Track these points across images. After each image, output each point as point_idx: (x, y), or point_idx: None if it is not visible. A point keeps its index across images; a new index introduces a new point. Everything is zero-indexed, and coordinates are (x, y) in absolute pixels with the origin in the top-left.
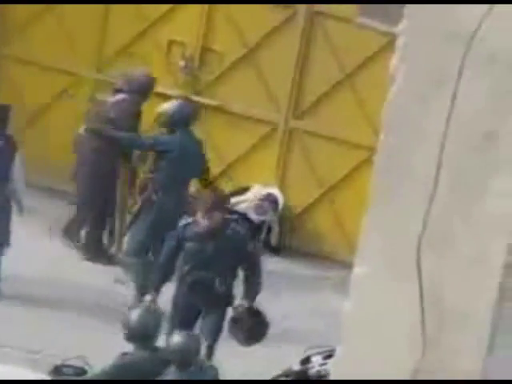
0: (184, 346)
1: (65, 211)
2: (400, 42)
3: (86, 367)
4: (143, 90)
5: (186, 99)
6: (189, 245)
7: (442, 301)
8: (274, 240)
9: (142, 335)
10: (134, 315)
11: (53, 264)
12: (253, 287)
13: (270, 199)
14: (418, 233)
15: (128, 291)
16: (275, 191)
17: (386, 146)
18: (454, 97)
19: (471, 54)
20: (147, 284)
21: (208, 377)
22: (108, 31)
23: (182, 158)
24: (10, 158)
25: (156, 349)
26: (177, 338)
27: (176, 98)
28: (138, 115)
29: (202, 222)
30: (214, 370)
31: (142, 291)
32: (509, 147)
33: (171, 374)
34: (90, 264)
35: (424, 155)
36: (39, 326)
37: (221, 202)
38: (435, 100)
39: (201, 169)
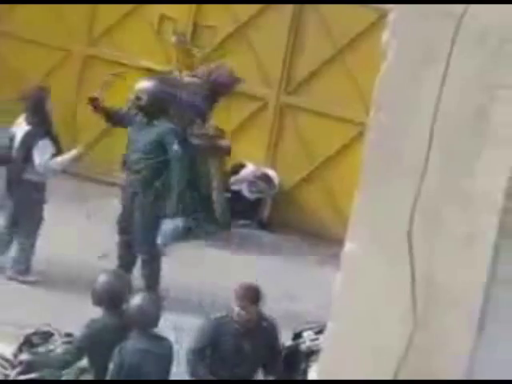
0: (144, 308)
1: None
2: (391, 17)
3: (54, 331)
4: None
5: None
6: (224, 341)
7: (432, 280)
8: (264, 215)
9: (108, 299)
10: (101, 279)
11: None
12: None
13: (266, 179)
14: (409, 212)
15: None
16: (271, 172)
17: (377, 122)
18: (445, 73)
19: (462, 30)
20: None
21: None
22: (99, 7)
23: None
24: (30, 144)
25: (123, 313)
26: (137, 300)
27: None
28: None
29: (239, 316)
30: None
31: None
32: (499, 125)
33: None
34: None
35: (415, 132)
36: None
37: (255, 295)
38: (426, 76)
39: None
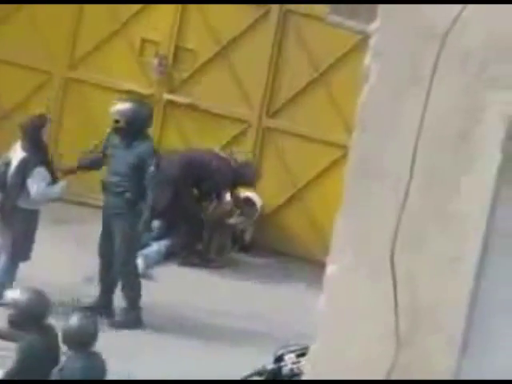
0: (82, 328)
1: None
2: (373, 40)
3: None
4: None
5: (138, 101)
6: None
7: (415, 300)
8: (247, 238)
9: (32, 318)
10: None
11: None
12: None
13: (249, 203)
14: (391, 231)
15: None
16: (253, 195)
17: (360, 144)
18: (428, 95)
19: (445, 51)
20: None
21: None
22: (81, 30)
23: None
24: (24, 172)
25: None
26: (75, 320)
27: (149, 95)
28: None
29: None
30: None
31: None
32: (482, 145)
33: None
34: None
35: (397, 153)
36: None
37: None
38: (409, 98)
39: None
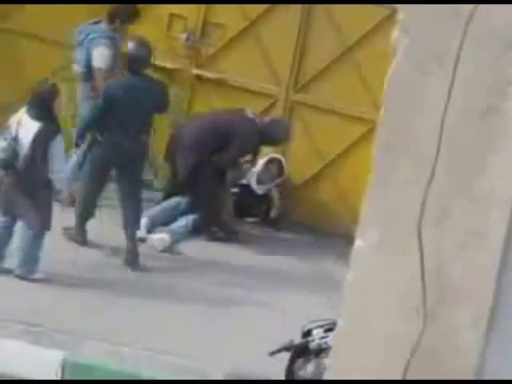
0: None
1: None
2: (401, 15)
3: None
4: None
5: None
6: None
7: (442, 277)
8: (274, 213)
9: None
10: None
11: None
12: None
13: (277, 163)
14: (418, 207)
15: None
16: (278, 155)
17: (387, 120)
18: (455, 71)
19: (471, 28)
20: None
21: None
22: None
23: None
24: (45, 141)
25: None
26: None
27: (177, 70)
28: None
29: None
30: None
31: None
32: (508, 121)
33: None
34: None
35: (424, 129)
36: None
37: None
38: (436, 74)
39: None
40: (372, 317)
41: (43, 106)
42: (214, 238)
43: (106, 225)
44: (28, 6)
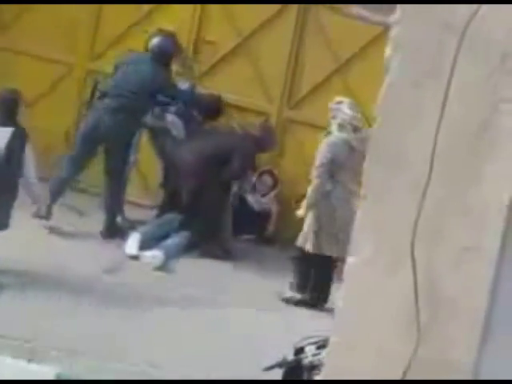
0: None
1: None
2: (393, 32)
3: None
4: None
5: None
6: None
7: (436, 290)
8: (270, 229)
9: None
10: None
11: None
12: None
13: (270, 174)
14: (411, 222)
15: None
16: (270, 167)
17: (380, 135)
18: (449, 86)
19: (465, 43)
20: None
21: None
22: (101, 21)
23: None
24: (21, 147)
25: None
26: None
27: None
28: None
29: None
30: None
31: None
32: (502, 136)
33: None
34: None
35: (418, 144)
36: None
37: None
38: (429, 89)
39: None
40: (365, 332)
41: (9, 113)
42: (210, 256)
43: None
44: (19, 23)
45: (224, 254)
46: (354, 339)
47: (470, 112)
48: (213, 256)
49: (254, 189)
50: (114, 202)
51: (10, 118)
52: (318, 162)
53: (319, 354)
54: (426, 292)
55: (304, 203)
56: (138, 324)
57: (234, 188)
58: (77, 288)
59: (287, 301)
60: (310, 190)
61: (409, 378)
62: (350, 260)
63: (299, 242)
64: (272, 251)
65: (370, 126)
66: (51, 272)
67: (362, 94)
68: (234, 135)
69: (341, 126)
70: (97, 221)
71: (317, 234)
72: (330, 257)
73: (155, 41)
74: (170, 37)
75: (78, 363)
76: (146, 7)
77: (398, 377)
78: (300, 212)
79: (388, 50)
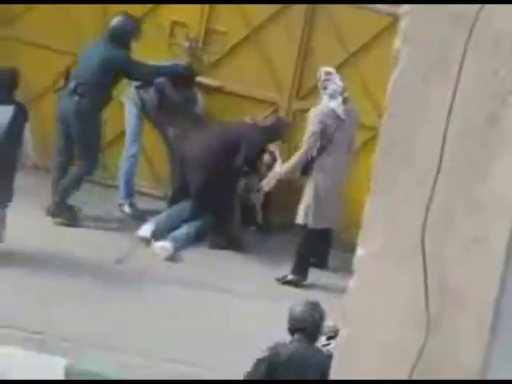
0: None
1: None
2: (403, 23)
3: None
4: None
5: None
6: None
7: (445, 284)
8: (259, 217)
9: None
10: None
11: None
12: None
13: (270, 153)
14: (421, 215)
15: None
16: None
17: (389, 128)
18: (458, 79)
19: (475, 35)
20: None
21: None
22: (109, 13)
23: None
24: (22, 125)
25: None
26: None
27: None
28: None
29: None
30: None
31: None
32: (511, 130)
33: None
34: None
35: (427, 137)
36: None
37: None
38: (438, 82)
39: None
40: (375, 325)
41: (8, 91)
42: (220, 247)
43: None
44: (29, 14)
45: (234, 245)
46: (364, 331)
47: (479, 105)
48: (222, 247)
49: (255, 170)
50: (72, 184)
51: (8, 96)
52: (308, 132)
53: (329, 344)
54: (436, 285)
55: (283, 168)
56: (145, 313)
57: (242, 182)
58: (87, 277)
59: (289, 283)
60: (295, 156)
61: (418, 370)
62: (359, 252)
63: (299, 218)
64: (276, 238)
65: (380, 116)
66: (60, 260)
67: (372, 85)
68: (241, 125)
69: (331, 97)
70: (107, 209)
71: (316, 207)
72: (328, 229)
73: (113, 22)
74: (127, 18)
75: (87, 355)
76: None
77: (407, 369)
78: (266, 182)
79: (397, 42)
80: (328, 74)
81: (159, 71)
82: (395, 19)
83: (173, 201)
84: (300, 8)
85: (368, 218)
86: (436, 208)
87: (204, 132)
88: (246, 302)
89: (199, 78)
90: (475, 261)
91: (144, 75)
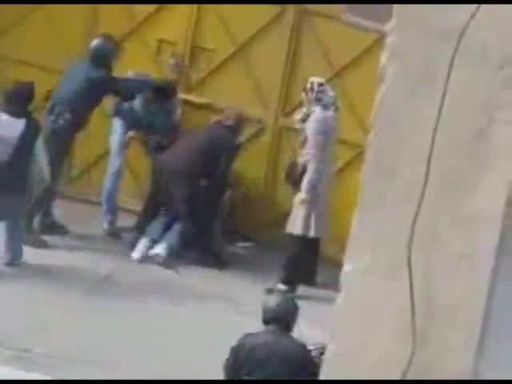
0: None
1: None
2: (389, 40)
3: None
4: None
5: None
6: None
7: (431, 299)
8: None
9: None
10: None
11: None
12: None
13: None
14: (407, 231)
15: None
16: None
17: (376, 144)
18: (444, 94)
19: (461, 51)
20: None
21: None
22: (97, 30)
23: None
24: (33, 139)
25: None
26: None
27: None
28: None
29: None
30: None
31: None
32: (497, 146)
33: None
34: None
35: (413, 153)
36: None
37: None
38: (425, 97)
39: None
40: (363, 340)
41: (23, 105)
42: (202, 264)
43: None
44: (14, 31)
45: (218, 263)
46: (352, 346)
47: (466, 121)
48: (206, 265)
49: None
50: (37, 202)
51: (23, 110)
52: (312, 141)
53: (317, 357)
54: (423, 299)
55: (304, 187)
56: (134, 330)
57: (228, 194)
58: (75, 294)
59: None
60: (311, 172)
61: None
62: (347, 268)
63: (297, 229)
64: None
65: (366, 133)
66: (48, 277)
67: (358, 102)
68: (212, 129)
69: (325, 108)
70: (93, 225)
71: (320, 216)
72: (318, 239)
73: (93, 43)
74: (107, 39)
75: (74, 372)
76: (140, 17)
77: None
78: (302, 196)
79: (383, 58)
80: (321, 85)
81: (140, 85)
82: (382, 36)
83: (154, 214)
84: (286, 25)
85: (355, 235)
86: (423, 223)
87: (181, 142)
88: (242, 318)
89: (186, 96)
90: (463, 276)
91: (125, 91)
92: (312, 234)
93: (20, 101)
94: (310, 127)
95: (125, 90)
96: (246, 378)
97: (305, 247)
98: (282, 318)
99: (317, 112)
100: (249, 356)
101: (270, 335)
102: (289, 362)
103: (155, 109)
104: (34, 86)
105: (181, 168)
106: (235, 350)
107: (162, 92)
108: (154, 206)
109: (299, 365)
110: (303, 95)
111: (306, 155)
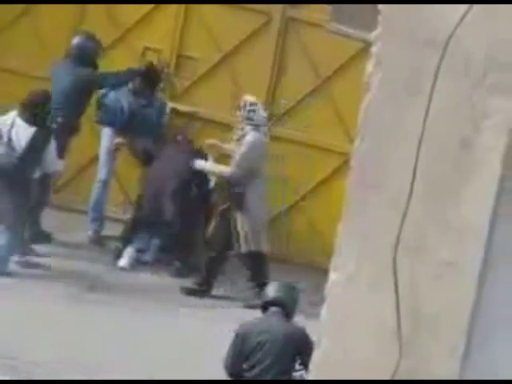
0: None
1: None
2: (375, 48)
3: None
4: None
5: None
6: None
7: (417, 308)
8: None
9: None
10: None
11: None
12: None
13: None
14: (393, 240)
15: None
16: None
17: (361, 153)
18: (430, 103)
19: (447, 59)
20: None
21: None
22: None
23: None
24: (42, 147)
25: None
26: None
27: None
28: None
29: None
30: None
31: None
32: (484, 153)
33: None
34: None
35: (399, 162)
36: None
37: None
38: (410, 106)
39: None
40: (348, 350)
41: (36, 113)
42: (178, 275)
43: None
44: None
45: (192, 272)
46: (337, 355)
47: (452, 130)
48: (179, 275)
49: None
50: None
51: (36, 118)
52: (237, 160)
53: (302, 369)
54: (409, 310)
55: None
56: (120, 339)
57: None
58: (60, 303)
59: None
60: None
61: None
62: (332, 276)
63: (243, 247)
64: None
65: (352, 142)
66: (33, 286)
67: (344, 110)
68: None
69: (256, 128)
70: (79, 235)
71: (254, 233)
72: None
73: (74, 42)
74: (89, 36)
75: (61, 379)
76: (125, 24)
77: None
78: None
79: (369, 66)
80: (253, 104)
81: (127, 74)
82: (367, 45)
83: (141, 226)
84: (272, 33)
85: (340, 243)
86: (408, 232)
87: (170, 159)
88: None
89: (171, 104)
90: (448, 285)
91: (112, 84)
92: (254, 248)
93: (32, 109)
94: (241, 149)
95: (114, 83)
96: (255, 365)
97: (258, 259)
98: (283, 302)
99: (249, 134)
100: (254, 337)
101: (273, 318)
102: (293, 341)
103: (146, 101)
104: (48, 94)
105: (172, 185)
106: (241, 337)
107: (150, 76)
108: (141, 218)
109: (303, 344)
110: (238, 113)
111: (226, 172)
